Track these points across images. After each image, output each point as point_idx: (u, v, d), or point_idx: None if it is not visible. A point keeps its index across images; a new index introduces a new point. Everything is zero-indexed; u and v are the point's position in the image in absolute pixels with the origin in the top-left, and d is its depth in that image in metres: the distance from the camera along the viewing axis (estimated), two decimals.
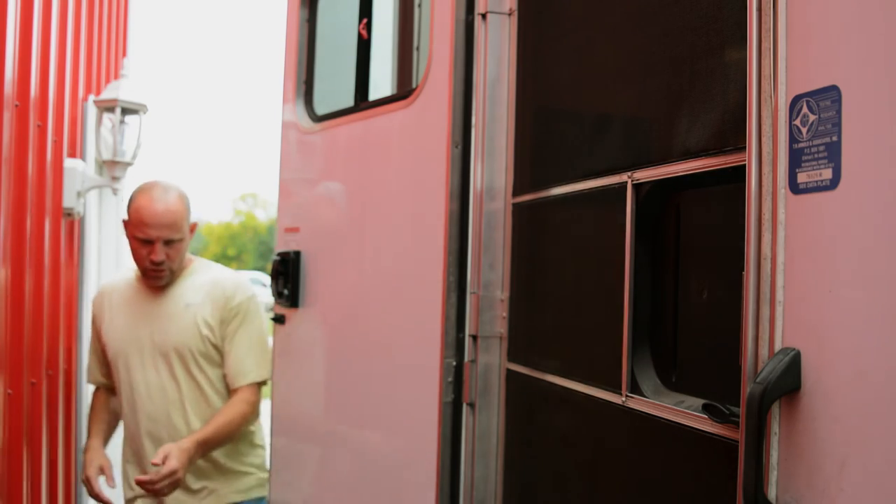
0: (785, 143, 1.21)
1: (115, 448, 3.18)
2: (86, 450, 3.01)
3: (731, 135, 1.38)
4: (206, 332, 2.92)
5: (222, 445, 2.90)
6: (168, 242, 2.86)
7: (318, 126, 3.03)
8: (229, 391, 2.97)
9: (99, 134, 4.06)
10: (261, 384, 2.99)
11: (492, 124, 2.22)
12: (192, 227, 2.97)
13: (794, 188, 1.19)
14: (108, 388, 3.17)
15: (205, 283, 2.99)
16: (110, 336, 3.02)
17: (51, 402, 3.46)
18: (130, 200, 2.89)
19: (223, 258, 39.31)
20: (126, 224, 2.92)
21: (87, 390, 4.04)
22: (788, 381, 1.17)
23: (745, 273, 1.24)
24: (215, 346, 2.94)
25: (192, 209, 3.01)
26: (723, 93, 1.41)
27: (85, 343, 4.04)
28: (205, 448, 2.79)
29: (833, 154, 1.13)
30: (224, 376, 2.97)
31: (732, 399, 1.32)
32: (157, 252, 2.85)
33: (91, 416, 3.17)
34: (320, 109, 3.08)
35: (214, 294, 2.96)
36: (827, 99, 1.15)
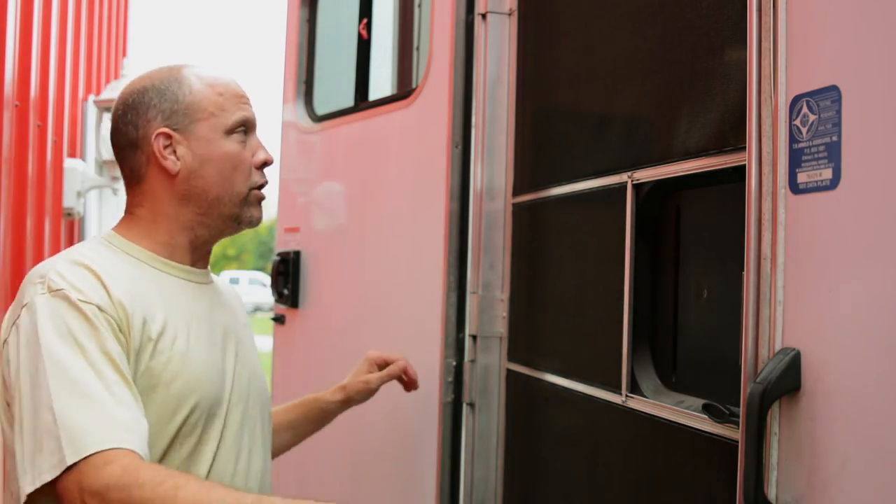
0: (785, 143, 1.21)
1: None
2: None
3: (731, 135, 1.38)
4: None
5: None
6: None
7: (318, 126, 3.03)
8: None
9: (99, 134, 4.06)
10: None
11: (492, 124, 2.22)
12: None
13: (794, 188, 1.19)
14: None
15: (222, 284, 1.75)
16: (181, 363, 1.45)
17: None
18: (176, 82, 1.51)
19: (223, 258, 39.27)
20: (189, 115, 1.51)
21: None
22: (788, 381, 1.17)
23: (745, 273, 1.24)
24: None
25: None
26: (723, 93, 1.41)
27: None
28: None
29: (833, 154, 1.13)
30: None
31: (732, 399, 1.32)
32: (262, 144, 1.60)
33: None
34: (320, 109, 3.08)
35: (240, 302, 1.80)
36: (827, 99, 1.15)
